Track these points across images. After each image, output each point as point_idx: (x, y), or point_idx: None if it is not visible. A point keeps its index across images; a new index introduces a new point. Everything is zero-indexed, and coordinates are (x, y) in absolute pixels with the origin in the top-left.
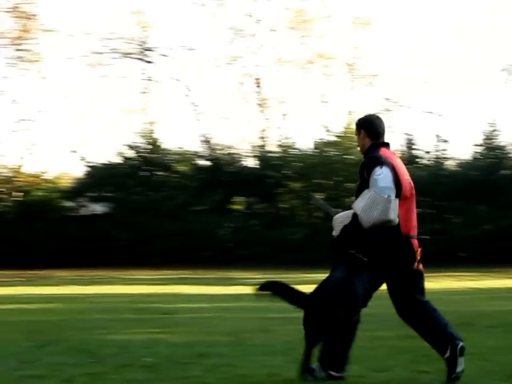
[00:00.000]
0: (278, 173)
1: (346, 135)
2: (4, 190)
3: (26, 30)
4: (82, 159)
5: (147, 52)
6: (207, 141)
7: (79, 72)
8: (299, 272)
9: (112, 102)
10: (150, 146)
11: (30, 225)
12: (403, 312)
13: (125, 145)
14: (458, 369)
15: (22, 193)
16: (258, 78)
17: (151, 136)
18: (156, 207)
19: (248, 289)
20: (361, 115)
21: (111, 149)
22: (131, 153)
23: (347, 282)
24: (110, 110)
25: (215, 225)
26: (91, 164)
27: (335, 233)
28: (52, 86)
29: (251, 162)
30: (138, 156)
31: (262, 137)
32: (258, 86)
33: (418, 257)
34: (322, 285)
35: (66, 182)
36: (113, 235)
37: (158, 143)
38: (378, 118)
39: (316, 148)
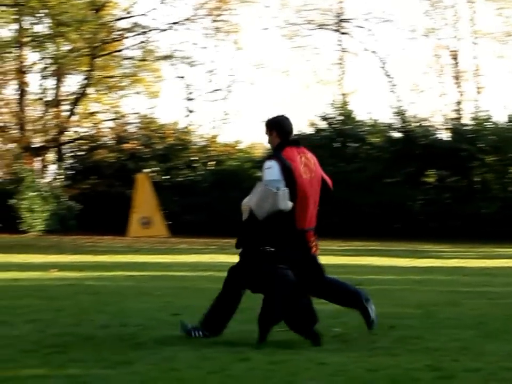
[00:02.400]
0: (472, 146)
1: None
2: (198, 159)
3: (224, 1)
4: None
5: (343, 23)
6: (400, 113)
7: (274, 43)
8: (491, 246)
9: (306, 73)
10: (343, 118)
11: (224, 194)
12: (313, 290)
13: (318, 116)
14: (372, 315)
15: (215, 163)
16: (455, 51)
17: (344, 107)
18: (347, 179)
19: (437, 262)
20: (270, 116)
21: (304, 120)
22: (324, 124)
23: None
24: (304, 81)
25: (407, 198)
26: None
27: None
28: (247, 57)
29: (444, 135)
30: (331, 127)
31: (457, 110)
32: (454, 59)
33: (313, 245)
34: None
35: (258, 152)
36: None
37: (351, 115)
38: (287, 118)
39: (511, 121)
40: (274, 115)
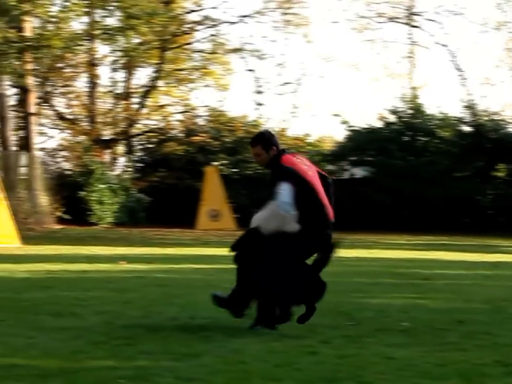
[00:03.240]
0: None
1: None
2: None
3: None
4: (344, 122)
5: (413, 16)
6: (471, 107)
7: (344, 36)
8: None
9: (376, 66)
10: (412, 111)
11: None
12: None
13: (387, 109)
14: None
15: None
16: None
17: (414, 101)
18: (416, 172)
19: (506, 257)
20: (263, 134)
21: (373, 113)
22: (393, 118)
23: None
24: (373, 75)
25: (476, 192)
26: (353, 128)
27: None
28: (318, 50)
29: None
30: (401, 120)
31: None
32: None
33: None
34: None
35: (328, 145)
36: (373, 199)
37: (421, 108)
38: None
39: None
40: (263, 132)
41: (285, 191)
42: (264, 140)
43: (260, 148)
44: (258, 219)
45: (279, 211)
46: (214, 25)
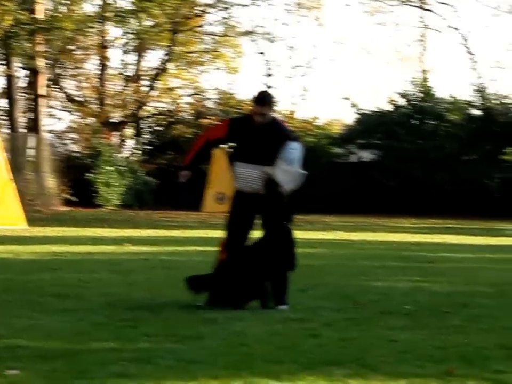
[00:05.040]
0: None
1: None
2: None
3: None
4: (354, 105)
5: (426, 0)
6: (480, 90)
7: (356, 19)
8: None
9: (387, 49)
10: (422, 95)
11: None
12: None
13: (396, 93)
14: None
15: None
16: None
17: (424, 84)
18: (425, 156)
19: None
20: (266, 93)
21: (382, 97)
22: (402, 101)
23: None
24: (385, 58)
25: (484, 176)
26: (362, 111)
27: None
28: (329, 33)
29: None
30: (410, 104)
31: None
32: None
33: None
34: None
35: (336, 129)
36: (381, 182)
37: (431, 92)
38: None
39: None
40: (269, 92)
41: (297, 150)
42: (272, 101)
43: (267, 108)
44: (282, 179)
45: (300, 172)
46: (226, 8)
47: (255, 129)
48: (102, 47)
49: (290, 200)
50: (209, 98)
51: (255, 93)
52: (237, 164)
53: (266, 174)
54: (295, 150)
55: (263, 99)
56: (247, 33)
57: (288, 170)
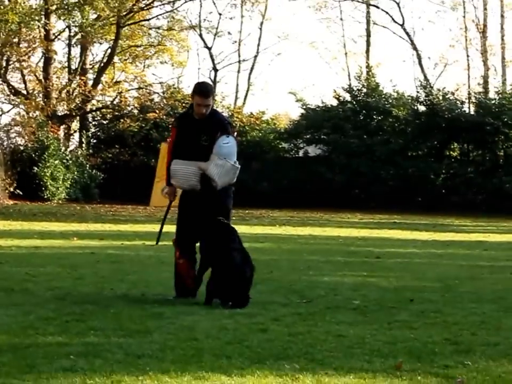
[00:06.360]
0: (497, 121)
1: None
2: None
3: None
4: (299, 100)
5: None
6: (425, 86)
7: (301, 14)
8: None
9: (333, 45)
10: (368, 90)
11: (246, 165)
12: None
13: (342, 88)
14: None
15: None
16: (482, 25)
17: (370, 79)
18: (371, 151)
19: (458, 237)
20: (206, 84)
21: (329, 92)
22: (348, 97)
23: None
24: (330, 53)
25: (430, 171)
26: (308, 106)
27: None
28: (274, 28)
29: (469, 109)
30: (356, 99)
31: (482, 84)
32: (481, 32)
33: None
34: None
35: (283, 124)
36: (327, 178)
37: (376, 87)
38: None
39: None
40: (210, 84)
41: (231, 143)
42: (214, 92)
43: (211, 99)
44: (215, 174)
45: (234, 167)
46: (172, 2)
47: (196, 122)
48: (47, 40)
49: (227, 195)
50: (155, 92)
51: (195, 85)
52: (174, 161)
53: (200, 169)
54: (228, 144)
55: (207, 91)
56: (192, 27)
57: (222, 164)
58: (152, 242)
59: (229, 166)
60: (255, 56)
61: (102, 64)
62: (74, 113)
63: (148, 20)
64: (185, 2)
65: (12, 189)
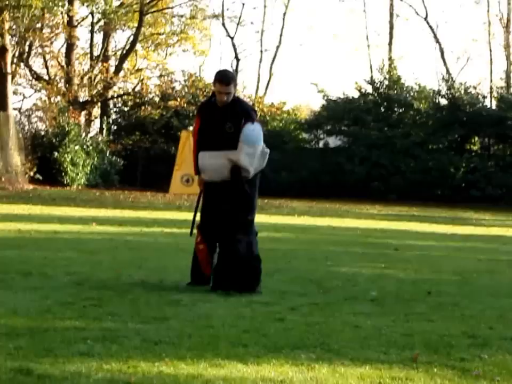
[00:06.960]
0: None
1: None
2: None
3: None
4: (321, 91)
5: None
6: (447, 80)
7: (325, 5)
8: None
9: (355, 36)
10: (390, 82)
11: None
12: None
13: (364, 80)
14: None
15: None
16: (506, 19)
17: (392, 72)
18: (391, 144)
19: (477, 230)
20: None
21: (350, 84)
22: (370, 89)
23: None
24: (353, 45)
25: (450, 165)
26: (330, 97)
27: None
28: (297, 18)
29: (491, 103)
30: (377, 91)
31: (504, 79)
32: (505, 27)
33: None
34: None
35: (304, 114)
36: (347, 169)
37: (398, 80)
38: None
39: None
40: (226, 70)
41: (255, 130)
42: (236, 79)
43: (232, 86)
44: (248, 164)
45: (264, 153)
46: None
47: (219, 110)
48: (70, 26)
49: (252, 184)
50: (176, 80)
51: (216, 72)
52: (201, 154)
53: (232, 161)
54: (254, 130)
55: (228, 78)
56: (215, 16)
57: (253, 153)
58: (170, 229)
59: (259, 153)
60: (277, 46)
61: (124, 51)
62: (95, 100)
63: (171, 7)
64: None
65: (31, 174)
